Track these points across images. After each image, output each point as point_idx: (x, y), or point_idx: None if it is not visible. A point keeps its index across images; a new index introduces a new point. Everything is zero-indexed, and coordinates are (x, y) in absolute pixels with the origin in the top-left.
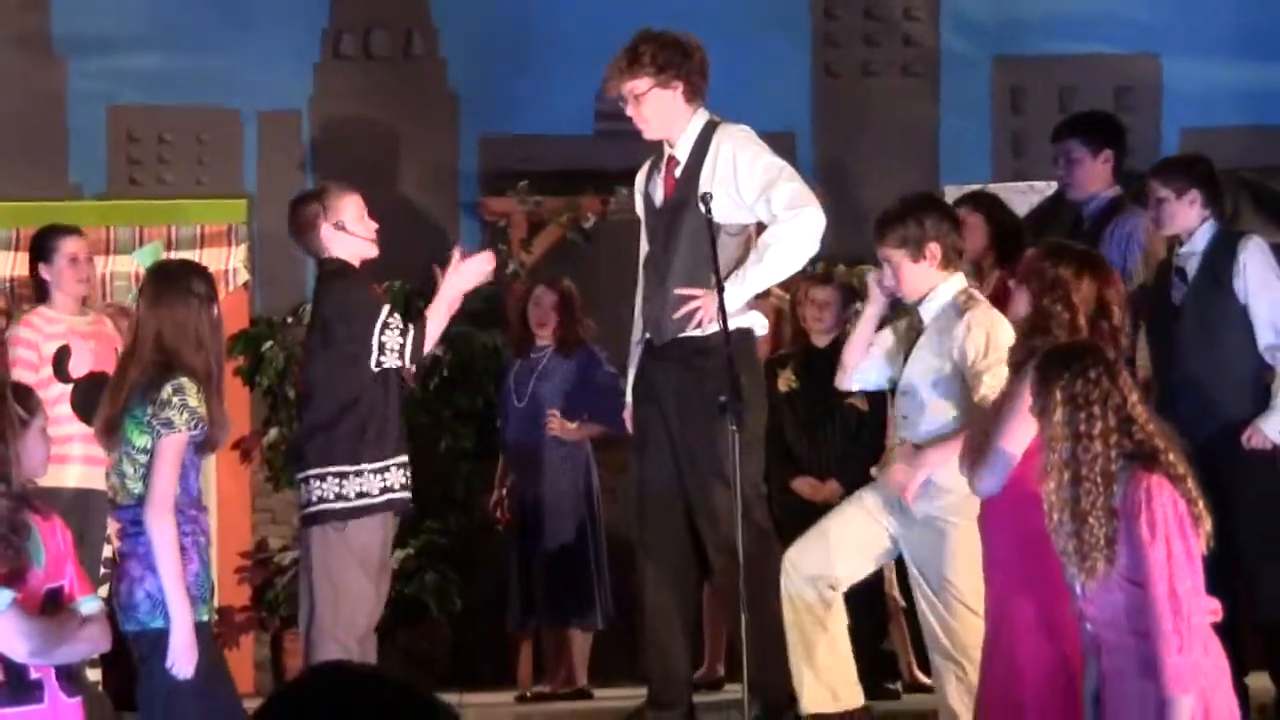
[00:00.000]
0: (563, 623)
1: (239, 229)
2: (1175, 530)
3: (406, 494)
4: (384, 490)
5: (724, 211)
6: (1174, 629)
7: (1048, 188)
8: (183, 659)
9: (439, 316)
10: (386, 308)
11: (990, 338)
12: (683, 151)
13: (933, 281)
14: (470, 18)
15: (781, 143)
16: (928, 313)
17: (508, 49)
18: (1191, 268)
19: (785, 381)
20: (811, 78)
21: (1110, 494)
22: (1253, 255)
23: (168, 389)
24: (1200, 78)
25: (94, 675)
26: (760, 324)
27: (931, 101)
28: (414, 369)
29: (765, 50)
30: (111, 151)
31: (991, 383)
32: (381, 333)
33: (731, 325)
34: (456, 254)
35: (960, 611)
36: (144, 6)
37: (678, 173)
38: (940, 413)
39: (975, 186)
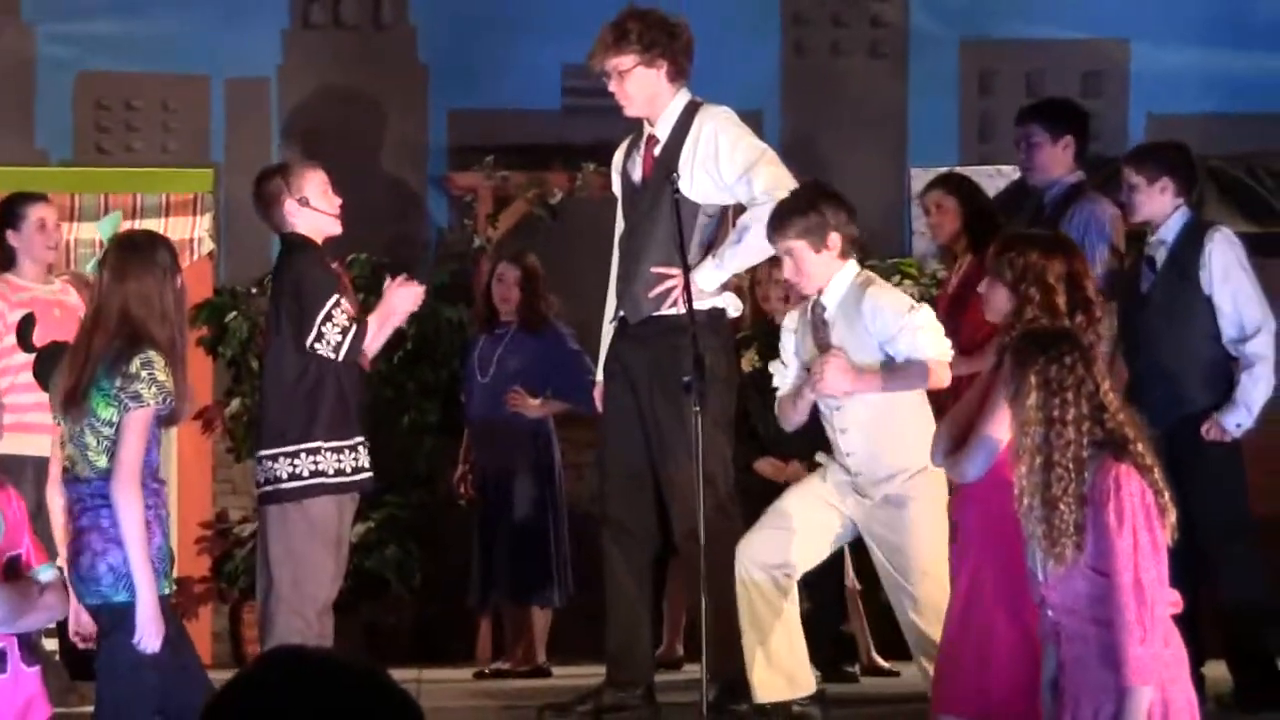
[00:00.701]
0: (522, 600)
1: (205, 198)
2: (1142, 520)
3: (363, 476)
4: (339, 471)
5: (703, 192)
6: (1137, 619)
7: (1014, 172)
8: (149, 632)
9: (378, 330)
10: (335, 297)
11: (895, 298)
12: (663, 131)
13: (831, 271)
14: None
15: (749, 121)
16: (830, 302)
17: (477, 21)
18: (1160, 257)
19: (749, 362)
20: (780, 57)
21: (1080, 481)
22: (1219, 247)
23: (136, 362)
24: (1168, 63)
25: (50, 644)
26: (734, 304)
27: (900, 82)
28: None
29: (734, 29)
30: (79, 118)
31: (925, 332)
32: (324, 321)
33: (704, 305)
34: (399, 280)
35: (929, 585)
36: None
37: (657, 151)
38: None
39: (943, 169)
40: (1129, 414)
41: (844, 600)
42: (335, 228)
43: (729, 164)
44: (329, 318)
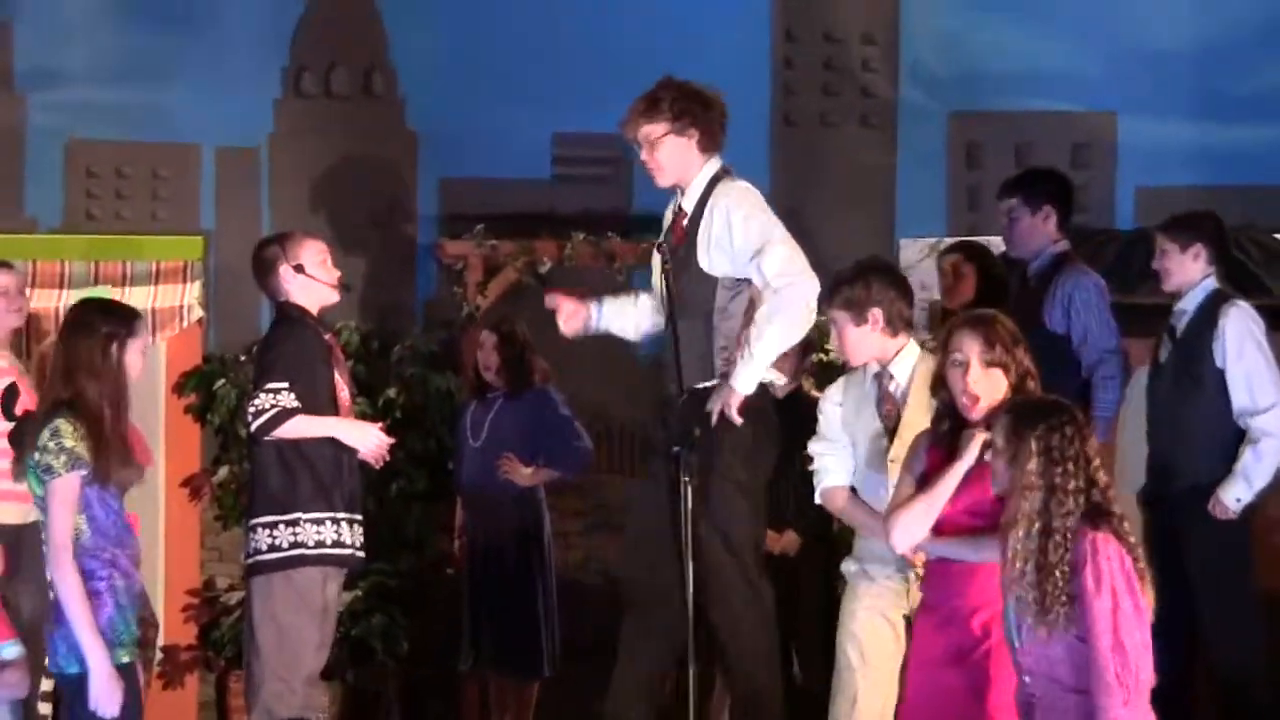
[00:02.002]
0: (508, 671)
1: (194, 265)
2: (1123, 585)
3: (344, 551)
4: (319, 543)
5: (721, 266)
6: (1120, 681)
7: (1002, 243)
8: (103, 702)
9: (325, 428)
10: (284, 383)
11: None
12: (690, 202)
13: (879, 346)
14: (430, 58)
15: None
16: (900, 375)
17: (467, 90)
18: (1180, 326)
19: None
20: (770, 126)
21: (1071, 550)
22: (1232, 321)
23: (45, 434)
24: (1156, 136)
25: (44, 708)
26: (776, 376)
27: (888, 153)
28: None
29: (725, 98)
30: (69, 186)
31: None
32: (259, 393)
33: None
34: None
35: None
36: (106, 41)
37: (685, 223)
38: None
39: (930, 240)
40: (1116, 491)
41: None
42: (331, 297)
43: (741, 243)
44: (268, 391)
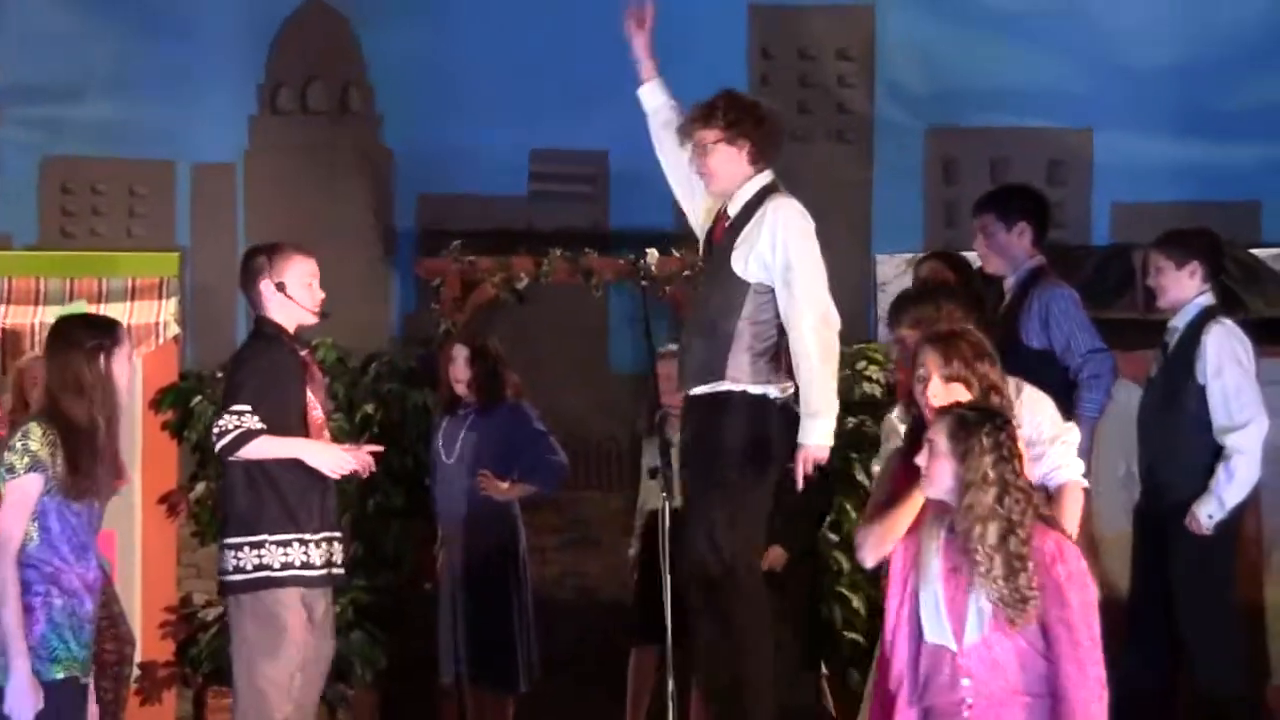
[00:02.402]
0: (485, 686)
1: (170, 282)
2: (1090, 582)
3: (317, 572)
4: (285, 566)
5: (756, 274)
6: (1097, 678)
7: (978, 259)
8: (15, 707)
9: (288, 449)
10: (246, 406)
11: (1050, 405)
12: (734, 208)
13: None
14: (406, 75)
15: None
16: None
17: (444, 107)
18: (1171, 343)
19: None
20: None
21: (1029, 546)
22: (1215, 338)
23: (17, 434)
24: (1132, 152)
25: None
26: (776, 389)
27: (864, 169)
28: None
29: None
30: (44, 202)
31: (1071, 448)
32: (222, 413)
33: (738, 387)
34: (359, 451)
35: None
36: (81, 58)
37: (726, 225)
38: None
39: (907, 255)
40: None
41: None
42: (308, 319)
43: (778, 262)
44: (232, 413)
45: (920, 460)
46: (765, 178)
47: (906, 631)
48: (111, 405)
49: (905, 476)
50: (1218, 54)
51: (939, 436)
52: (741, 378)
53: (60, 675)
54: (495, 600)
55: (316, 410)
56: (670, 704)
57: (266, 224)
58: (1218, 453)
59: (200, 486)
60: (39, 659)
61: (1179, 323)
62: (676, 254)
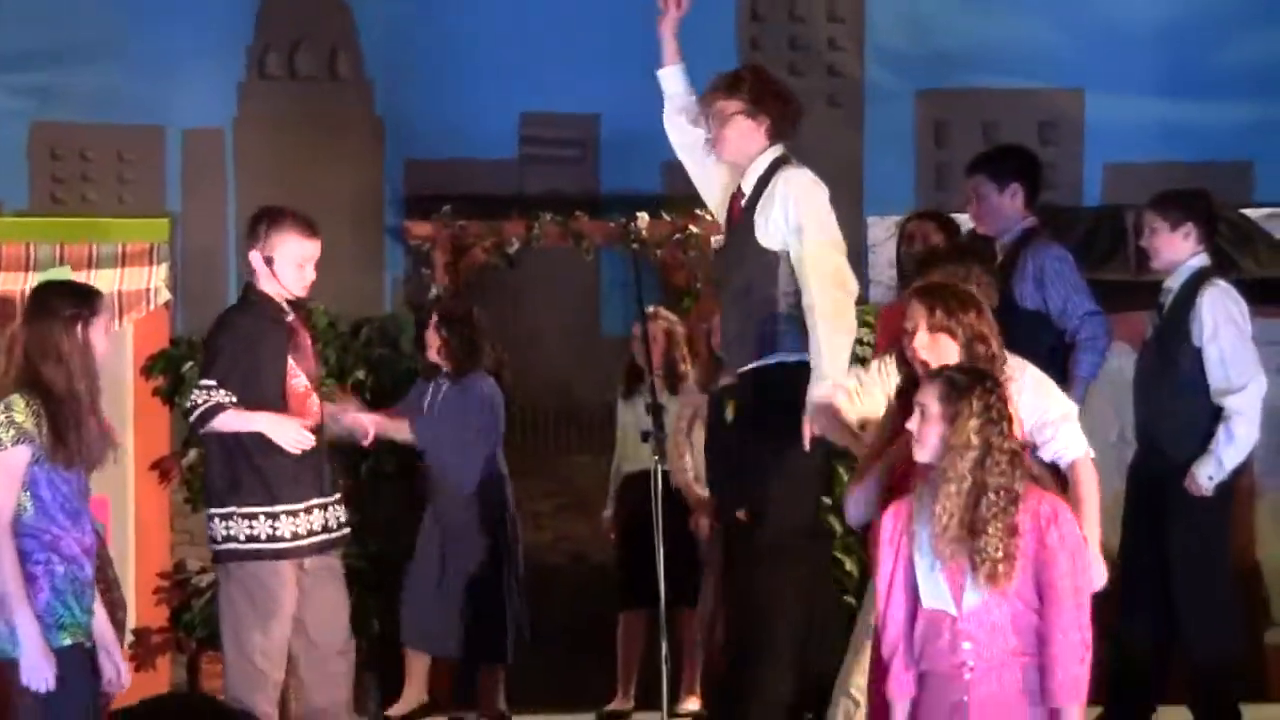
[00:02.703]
0: (472, 658)
1: (161, 248)
2: (1081, 547)
3: (306, 541)
4: (273, 538)
5: (778, 241)
6: (1083, 640)
7: (970, 221)
8: (34, 677)
9: (248, 422)
10: (213, 381)
11: (1055, 395)
12: (749, 184)
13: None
14: (395, 39)
15: None
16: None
17: (433, 71)
18: (1166, 305)
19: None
20: None
21: (1009, 512)
22: (1210, 300)
23: (0, 406)
24: (1123, 113)
25: None
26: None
27: (855, 132)
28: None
29: (690, 78)
30: (33, 168)
31: (1072, 425)
32: (194, 388)
33: (774, 360)
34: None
35: None
36: (69, 23)
37: (743, 203)
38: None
39: (898, 218)
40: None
41: None
42: (283, 296)
43: (793, 224)
44: (201, 387)
45: (911, 424)
46: (777, 150)
47: (901, 598)
48: (90, 375)
49: (898, 428)
50: (1209, 13)
51: (930, 400)
52: (789, 348)
53: (67, 641)
54: (481, 570)
55: (298, 379)
56: (664, 667)
57: (256, 189)
58: (1214, 414)
59: (192, 453)
60: (46, 627)
61: (1173, 284)
62: (667, 217)
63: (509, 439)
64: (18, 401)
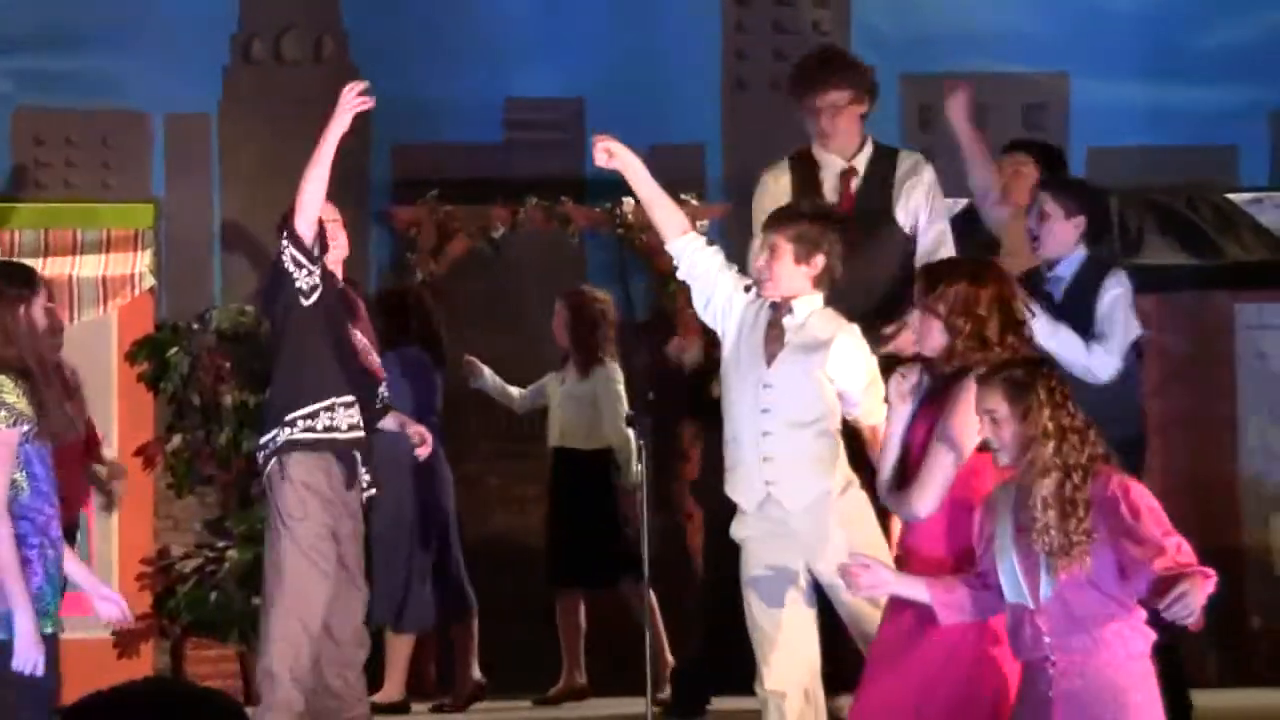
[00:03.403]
0: (397, 628)
1: (146, 234)
2: (1161, 515)
3: (336, 435)
4: (308, 429)
5: (911, 221)
6: (1174, 559)
7: (954, 205)
8: (27, 661)
9: (326, 149)
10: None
11: (865, 361)
12: (863, 165)
13: (800, 290)
14: (381, 23)
15: (691, 154)
16: (798, 317)
17: (418, 56)
18: (1058, 293)
19: (718, 389)
20: (721, 90)
21: (1087, 487)
22: (1114, 288)
23: None
24: (1108, 97)
25: None
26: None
27: None
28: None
29: (676, 62)
30: (17, 154)
31: (871, 404)
32: (278, 269)
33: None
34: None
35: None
36: (51, 8)
37: (855, 184)
38: (801, 417)
39: None
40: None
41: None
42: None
43: (926, 210)
44: (279, 264)
45: (984, 434)
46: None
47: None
48: (41, 352)
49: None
50: None
51: (996, 405)
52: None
53: (48, 630)
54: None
55: (362, 341)
56: (648, 634)
57: (241, 175)
58: (1114, 398)
59: (176, 439)
60: (35, 613)
61: (1062, 273)
62: None
63: (492, 423)
64: (6, 382)
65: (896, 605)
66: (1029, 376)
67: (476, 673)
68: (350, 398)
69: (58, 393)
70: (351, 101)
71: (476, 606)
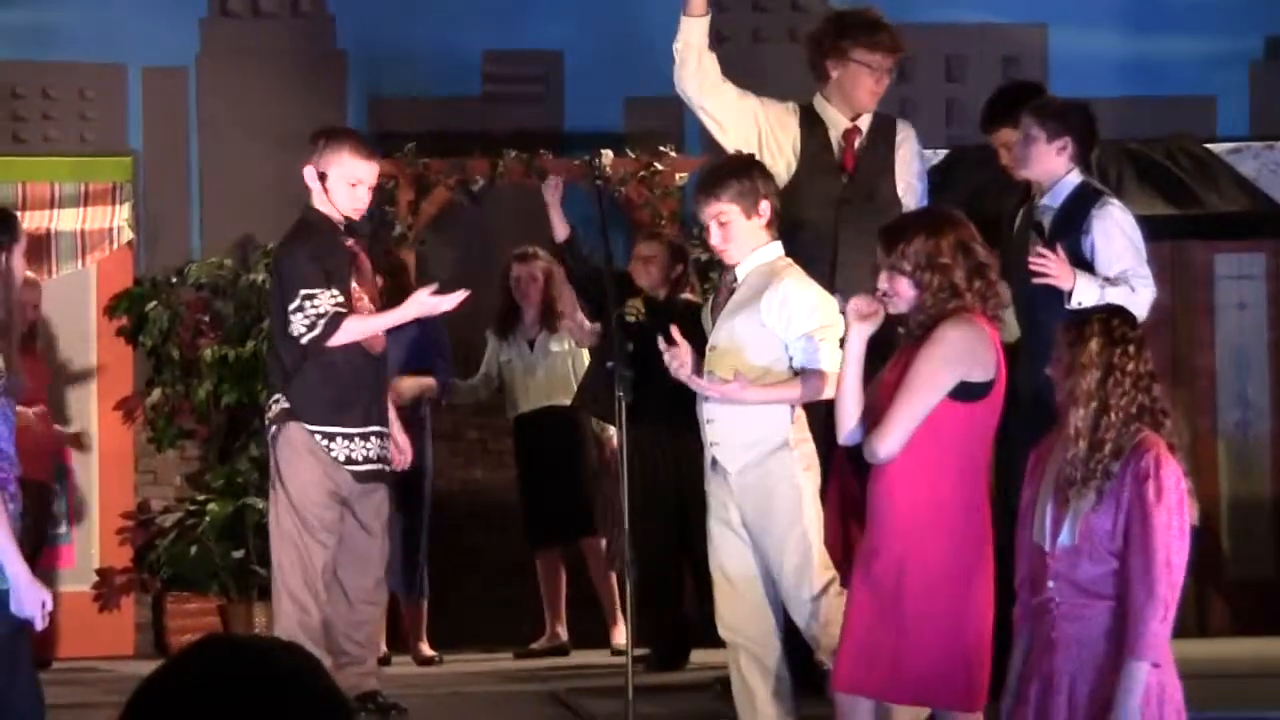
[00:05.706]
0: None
1: (124, 187)
2: (1176, 503)
3: (354, 468)
4: (349, 460)
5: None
6: (1163, 597)
7: (933, 155)
8: (26, 603)
9: (379, 323)
10: (304, 292)
11: (813, 297)
12: (866, 125)
13: (759, 241)
14: None
15: (670, 108)
16: (743, 271)
17: (396, 8)
18: (1048, 222)
19: (634, 310)
20: None
21: (1122, 436)
22: (1106, 217)
23: None
24: (1086, 47)
25: None
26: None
27: None
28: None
29: (655, 16)
30: None
31: (830, 350)
32: (294, 312)
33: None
34: (426, 290)
35: (809, 559)
36: None
37: (859, 143)
38: (751, 371)
39: None
40: (1167, 394)
41: (681, 579)
42: (338, 216)
43: (920, 174)
44: (299, 310)
45: (1051, 371)
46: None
47: (1028, 533)
48: (12, 301)
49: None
50: None
51: (1059, 343)
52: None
53: (3, 586)
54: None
55: (362, 301)
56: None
57: (219, 127)
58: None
59: (156, 393)
60: None
61: (1053, 201)
62: (631, 154)
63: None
64: None
65: (863, 558)
66: (1089, 313)
67: (426, 649)
68: (363, 429)
69: (16, 348)
70: (426, 302)
71: (429, 594)
